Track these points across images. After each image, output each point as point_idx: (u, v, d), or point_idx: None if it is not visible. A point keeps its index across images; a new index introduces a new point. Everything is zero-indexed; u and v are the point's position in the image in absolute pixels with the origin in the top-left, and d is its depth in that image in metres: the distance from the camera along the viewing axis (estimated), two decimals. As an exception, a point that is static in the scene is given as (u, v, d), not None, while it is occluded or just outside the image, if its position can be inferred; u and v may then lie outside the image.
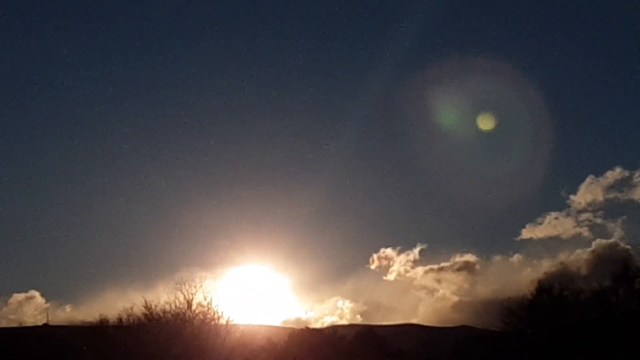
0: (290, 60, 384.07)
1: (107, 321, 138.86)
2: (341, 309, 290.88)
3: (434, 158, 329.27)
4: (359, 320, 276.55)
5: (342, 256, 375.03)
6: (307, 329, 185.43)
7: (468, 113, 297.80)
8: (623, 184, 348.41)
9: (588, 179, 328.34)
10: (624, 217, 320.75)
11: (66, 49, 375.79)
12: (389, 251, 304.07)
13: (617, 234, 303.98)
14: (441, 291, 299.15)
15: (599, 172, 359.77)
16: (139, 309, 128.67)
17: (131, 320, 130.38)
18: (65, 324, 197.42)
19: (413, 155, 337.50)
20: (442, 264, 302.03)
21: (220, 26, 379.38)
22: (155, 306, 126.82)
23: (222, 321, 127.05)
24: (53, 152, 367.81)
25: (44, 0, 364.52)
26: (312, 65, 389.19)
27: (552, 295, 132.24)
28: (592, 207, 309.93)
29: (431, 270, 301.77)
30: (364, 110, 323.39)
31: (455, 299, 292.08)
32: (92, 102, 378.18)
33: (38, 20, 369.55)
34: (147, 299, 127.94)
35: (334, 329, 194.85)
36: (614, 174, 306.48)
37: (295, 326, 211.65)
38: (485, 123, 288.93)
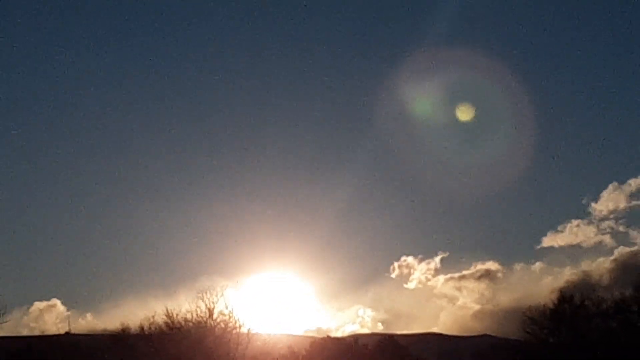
0: (318, 65, 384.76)
1: (129, 329, 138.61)
2: (362, 317, 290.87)
3: (457, 167, 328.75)
4: (380, 328, 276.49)
5: (362, 264, 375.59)
6: (329, 337, 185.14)
7: (492, 126, 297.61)
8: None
9: (610, 187, 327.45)
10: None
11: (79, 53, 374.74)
12: (410, 259, 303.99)
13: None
14: (462, 299, 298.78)
15: (621, 180, 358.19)
16: (160, 318, 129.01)
17: (153, 329, 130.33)
18: (86, 333, 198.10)
19: (435, 164, 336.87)
20: (464, 272, 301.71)
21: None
22: (177, 315, 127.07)
23: (244, 330, 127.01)
24: (74, 162, 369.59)
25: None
26: (338, 71, 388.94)
27: (573, 305, 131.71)
28: (615, 214, 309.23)
29: (452, 278, 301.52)
30: (387, 119, 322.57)
31: (476, 307, 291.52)
32: (112, 111, 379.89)
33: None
34: (169, 308, 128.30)
35: (355, 337, 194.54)
36: (637, 181, 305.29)
37: (316, 335, 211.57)
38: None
